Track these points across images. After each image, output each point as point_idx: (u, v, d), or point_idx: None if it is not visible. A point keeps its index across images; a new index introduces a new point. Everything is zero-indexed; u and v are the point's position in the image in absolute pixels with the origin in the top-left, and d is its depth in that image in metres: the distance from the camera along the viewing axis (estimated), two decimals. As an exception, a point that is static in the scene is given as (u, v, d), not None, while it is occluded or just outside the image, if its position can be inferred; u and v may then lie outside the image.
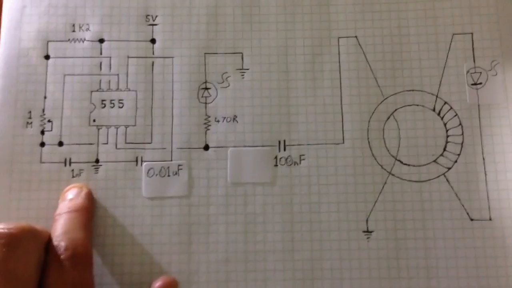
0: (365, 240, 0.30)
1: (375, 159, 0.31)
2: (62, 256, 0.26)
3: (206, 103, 0.32)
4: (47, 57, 0.32)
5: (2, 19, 0.32)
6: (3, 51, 0.32)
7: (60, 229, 0.27)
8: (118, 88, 0.32)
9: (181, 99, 0.32)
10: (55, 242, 0.27)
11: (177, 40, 0.32)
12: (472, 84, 0.31)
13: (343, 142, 0.31)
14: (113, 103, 0.31)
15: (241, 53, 0.32)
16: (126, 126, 0.31)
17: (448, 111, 0.31)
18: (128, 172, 0.31)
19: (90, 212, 0.30)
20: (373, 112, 0.31)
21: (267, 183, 0.31)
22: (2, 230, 0.25)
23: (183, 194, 0.30)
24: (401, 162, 0.31)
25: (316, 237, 0.30)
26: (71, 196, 0.30)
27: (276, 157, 0.31)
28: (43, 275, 0.26)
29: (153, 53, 0.32)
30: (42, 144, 0.31)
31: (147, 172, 0.31)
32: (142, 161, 0.31)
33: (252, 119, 0.31)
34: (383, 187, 0.31)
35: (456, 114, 0.31)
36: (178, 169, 0.31)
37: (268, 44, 0.32)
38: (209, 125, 0.31)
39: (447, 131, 0.31)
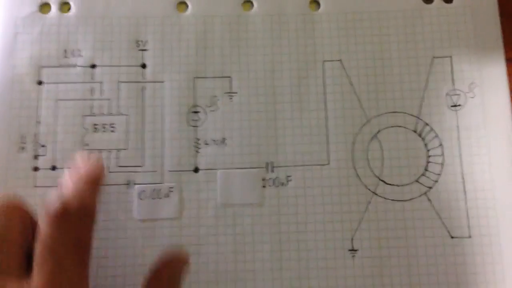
0: (350, 259, 0.31)
1: (360, 179, 0.32)
2: (69, 210, 0.25)
3: (195, 126, 0.33)
4: (40, 82, 0.33)
5: (-5, 45, 0.33)
6: (-4, 77, 0.33)
7: (67, 184, 0.27)
8: (110, 113, 0.33)
9: (171, 123, 0.32)
10: (61, 194, 0.26)
11: (167, 65, 0.33)
12: (452, 106, 0.33)
13: (329, 163, 0.32)
14: (105, 127, 0.32)
15: (230, 77, 0.33)
16: (118, 150, 0.32)
17: (429, 132, 0.32)
18: (120, 195, 0.31)
19: (99, 179, 0.28)
20: (357, 134, 0.33)
21: (256, 204, 0.32)
22: None
23: (174, 216, 0.31)
24: (385, 182, 0.32)
25: (303, 256, 0.31)
26: (81, 160, 0.29)
27: (264, 179, 0.32)
28: (39, 228, 0.25)
29: (143, 78, 0.33)
30: (36, 169, 0.32)
31: (139, 195, 0.32)
32: (134, 184, 0.32)
33: (240, 142, 0.32)
34: (367, 206, 0.32)
35: (437, 135, 0.32)
36: (169, 192, 0.32)
37: (255, 68, 0.33)
38: (199, 148, 0.32)
39: (428, 151, 0.32)
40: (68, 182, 0.27)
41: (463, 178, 0.32)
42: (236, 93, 0.33)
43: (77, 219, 0.26)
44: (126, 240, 0.31)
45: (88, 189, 0.27)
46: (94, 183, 0.28)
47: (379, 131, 0.33)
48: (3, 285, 0.24)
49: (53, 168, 0.32)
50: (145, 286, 0.27)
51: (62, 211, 0.25)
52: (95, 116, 0.32)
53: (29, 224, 0.26)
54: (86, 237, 0.26)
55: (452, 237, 0.31)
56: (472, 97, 0.33)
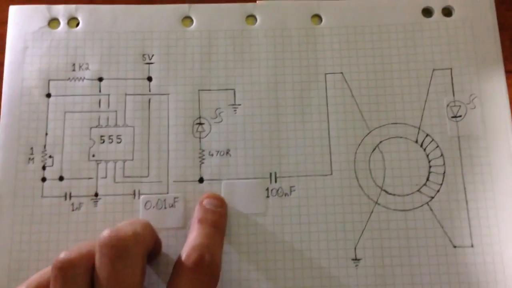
0: (353, 268, 0.31)
1: (362, 189, 0.32)
2: (203, 270, 0.27)
3: (200, 137, 0.33)
4: (48, 95, 0.34)
5: (5, 59, 0.34)
6: (6, 90, 0.33)
7: (204, 240, 0.29)
8: (116, 124, 0.33)
9: (176, 134, 0.33)
10: (199, 251, 0.27)
11: (172, 77, 0.34)
12: (452, 117, 0.33)
13: (331, 174, 0.33)
14: (112, 139, 0.33)
15: (233, 89, 0.34)
16: (124, 161, 0.33)
17: (430, 143, 0.33)
18: (126, 205, 0.32)
19: (225, 231, 0.31)
20: (359, 144, 0.33)
21: (259, 214, 0.32)
22: (112, 243, 0.26)
23: (179, 226, 0.32)
24: (387, 192, 0.32)
25: (307, 265, 0.31)
26: (212, 207, 0.31)
27: (267, 189, 0.32)
28: (173, 277, 0.27)
29: (149, 90, 0.34)
30: (44, 179, 0.32)
31: (145, 205, 0.32)
32: (139, 194, 0.32)
33: (244, 153, 0.33)
34: (370, 216, 0.32)
35: (438, 146, 0.33)
36: (174, 201, 0.32)
37: (258, 80, 0.34)
38: (204, 159, 0.33)
39: (429, 161, 0.33)
40: (200, 233, 0.29)
41: (464, 188, 0.32)
42: (239, 105, 0.34)
43: (209, 277, 0.27)
44: (131, 249, 0.31)
45: (220, 244, 0.30)
46: (223, 236, 0.31)
47: (380, 142, 0.33)
48: None
49: (61, 178, 0.32)
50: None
51: (199, 266, 0.27)
52: (102, 127, 0.33)
53: (146, 254, 0.28)
54: None
55: (454, 246, 0.31)
56: (472, 108, 0.33)
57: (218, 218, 0.30)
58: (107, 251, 0.25)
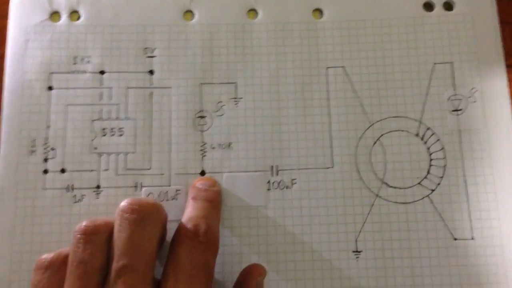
0: (354, 260, 0.31)
1: (363, 182, 0.33)
2: (200, 238, 0.27)
3: (202, 130, 0.33)
4: (50, 88, 0.34)
5: (7, 52, 0.34)
6: (8, 83, 0.33)
7: (199, 212, 0.29)
8: (118, 117, 0.33)
9: (178, 127, 0.33)
10: (194, 221, 0.28)
11: (174, 71, 0.34)
12: (453, 111, 0.33)
13: (333, 167, 0.33)
14: (114, 132, 0.33)
15: (235, 82, 0.34)
16: (126, 153, 0.33)
17: (431, 136, 0.33)
18: (128, 197, 0.32)
19: (220, 207, 0.32)
20: (361, 138, 0.33)
21: (261, 206, 0.32)
22: (133, 207, 0.27)
23: (181, 218, 0.32)
24: (388, 184, 0.32)
25: (308, 257, 0.31)
26: (205, 187, 0.31)
27: (269, 182, 0.33)
28: (172, 249, 0.27)
29: (151, 84, 0.34)
30: (46, 171, 0.32)
31: (147, 197, 0.32)
32: (141, 186, 0.32)
33: (246, 146, 0.33)
34: (371, 209, 0.32)
35: (439, 139, 0.33)
36: (176, 194, 0.32)
37: (260, 74, 0.34)
38: (205, 152, 0.33)
39: (430, 154, 0.33)
40: (195, 207, 0.30)
41: (465, 181, 0.32)
42: (241, 98, 0.34)
43: (207, 244, 0.27)
44: (133, 241, 0.31)
45: (215, 216, 0.30)
46: (218, 210, 0.31)
47: (382, 135, 0.33)
48: None
49: (62, 170, 0.32)
50: None
51: (195, 234, 0.27)
52: (103, 120, 0.33)
53: (163, 226, 0.29)
54: (212, 262, 0.28)
55: (455, 239, 0.32)
56: (473, 102, 0.33)
57: (212, 194, 0.31)
58: (128, 215, 0.26)
